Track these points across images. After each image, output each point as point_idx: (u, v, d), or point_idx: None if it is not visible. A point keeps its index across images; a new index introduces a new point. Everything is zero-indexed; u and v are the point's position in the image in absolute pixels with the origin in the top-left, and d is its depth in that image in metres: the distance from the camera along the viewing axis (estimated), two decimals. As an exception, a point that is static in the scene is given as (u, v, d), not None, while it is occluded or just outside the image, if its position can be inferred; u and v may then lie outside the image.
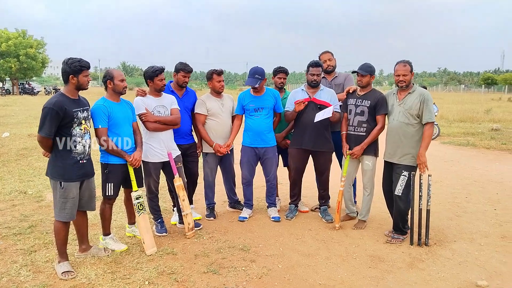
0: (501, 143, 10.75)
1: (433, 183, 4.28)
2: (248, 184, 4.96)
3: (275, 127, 4.92)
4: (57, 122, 3.29)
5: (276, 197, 5.24)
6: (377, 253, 3.98)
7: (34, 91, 40.44)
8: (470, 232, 4.54)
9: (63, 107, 3.29)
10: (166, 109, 4.27)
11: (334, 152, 4.93)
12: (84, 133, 3.49)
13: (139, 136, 4.04)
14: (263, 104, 4.72)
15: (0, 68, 38.92)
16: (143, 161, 4.23)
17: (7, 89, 39.68)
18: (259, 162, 4.95)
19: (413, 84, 4.27)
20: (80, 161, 3.48)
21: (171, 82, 4.69)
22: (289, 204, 5.10)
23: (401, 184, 4.16)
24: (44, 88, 43.04)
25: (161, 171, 4.36)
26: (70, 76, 3.38)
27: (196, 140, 4.84)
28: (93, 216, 4.56)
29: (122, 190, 4.12)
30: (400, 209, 4.21)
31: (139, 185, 4.08)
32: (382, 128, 4.44)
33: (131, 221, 4.34)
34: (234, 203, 5.26)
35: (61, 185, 3.39)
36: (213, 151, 4.77)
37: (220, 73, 4.76)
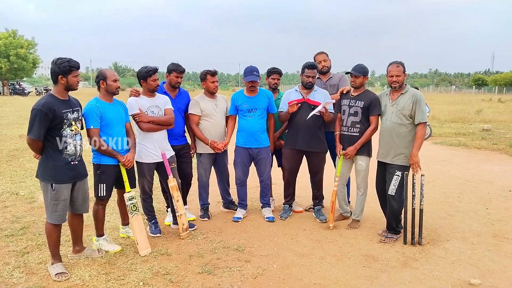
0: (492, 143, 10.86)
1: (426, 183, 4.31)
2: (242, 185, 4.96)
3: (273, 130, 4.92)
4: (47, 124, 3.24)
5: (270, 198, 5.25)
6: (371, 252, 4.00)
7: (25, 91, 40.03)
8: (462, 231, 4.58)
9: (52, 108, 3.25)
10: (160, 110, 4.26)
11: (328, 152, 4.95)
12: (75, 134, 3.45)
13: (132, 137, 4.02)
14: (257, 105, 4.72)
15: (-10, 68, 38.54)
16: (137, 162, 4.21)
17: (-3, 90, 39.31)
18: (252, 163, 4.95)
19: (406, 85, 4.30)
20: (72, 162, 3.44)
21: (164, 83, 4.68)
22: (283, 204, 5.11)
23: (394, 184, 4.19)
24: (35, 89, 42.61)
25: (155, 171, 4.35)
26: (59, 76, 3.33)
27: (189, 141, 4.83)
28: (86, 217, 4.50)
29: (115, 191, 4.11)
30: (394, 209, 4.24)
31: (132, 186, 4.07)
32: (375, 128, 4.47)
33: (125, 222, 4.32)
34: (228, 204, 5.25)
35: (52, 187, 3.35)
36: (207, 152, 4.76)
37: (214, 73, 4.76)
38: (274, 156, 5.24)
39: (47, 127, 3.25)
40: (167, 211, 4.89)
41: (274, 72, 5.10)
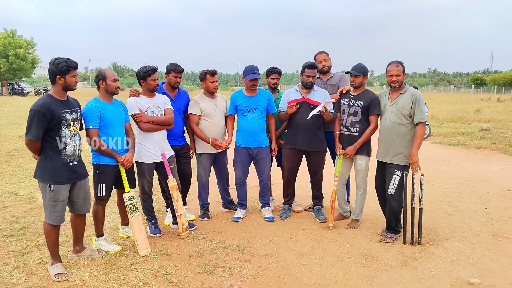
0: (491, 143, 10.88)
1: (425, 182, 4.32)
2: (241, 185, 4.96)
3: (275, 129, 4.92)
4: (45, 125, 3.23)
5: (270, 197, 5.25)
6: (371, 252, 4.01)
7: (24, 91, 39.96)
8: (462, 230, 4.59)
9: (50, 109, 3.23)
10: (160, 109, 4.26)
11: (328, 152, 4.96)
12: (74, 135, 3.44)
13: (131, 137, 4.01)
14: (256, 105, 4.72)
15: (-11, 68, 38.48)
16: (136, 162, 4.21)
17: (-4, 90, 39.24)
18: (252, 163, 4.96)
19: (405, 84, 4.30)
20: (70, 163, 3.43)
21: (163, 83, 4.68)
22: (283, 204, 5.11)
23: (394, 184, 4.20)
24: (34, 89, 42.50)
25: (154, 171, 4.35)
26: (57, 76, 3.32)
27: (188, 141, 4.83)
28: (86, 217, 4.52)
29: (114, 191, 4.11)
30: (393, 208, 4.25)
31: (132, 186, 4.06)
32: (375, 128, 4.47)
33: (125, 222, 4.32)
34: (228, 204, 5.26)
35: (50, 188, 3.34)
36: (207, 152, 4.76)
37: (213, 73, 4.76)
38: (273, 156, 5.24)
39: (45, 128, 3.24)
40: (167, 211, 4.89)
41: (273, 71, 5.10)
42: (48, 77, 3.47)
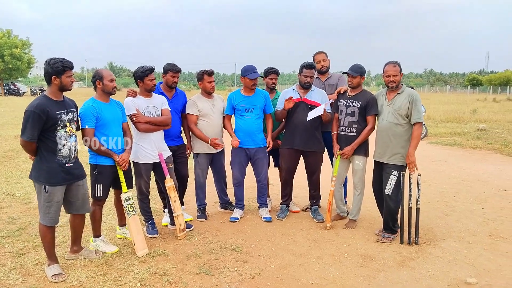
0: (487, 143, 10.92)
1: (422, 182, 4.34)
2: (239, 185, 4.96)
3: (271, 129, 4.92)
4: (40, 126, 3.21)
5: (267, 198, 5.25)
6: (368, 252, 4.01)
7: (20, 92, 39.81)
8: (458, 230, 4.60)
9: (45, 110, 3.21)
10: (157, 110, 4.25)
11: (326, 152, 4.96)
12: (70, 136, 3.42)
13: (129, 137, 4.00)
14: (254, 104, 4.72)
15: (-16, 69, 38.27)
16: (134, 162, 4.21)
17: (-9, 90, 39.03)
18: (249, 163, 4.95)
19: (402, 84, 4.31)
20: (66, 164, 3.41)
21: (160, 83, 4.67)
22: (280, 204, 5.12)
23: (391, 184, 4.21)
24: (30, 89, 42.37)
25: (151, 172, 4.34)
26: (53, 77, 3.30)
27: (185, 141, 4.83)
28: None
29: (112, 191, 4.09)
30: (390, 208, 4.25)
31: (129, 186, 4.06)
32: (373, 128, 4.48)
33: (122, 222, 4.30)
34: (225, 204, 5.25)
35: (45, 189, 3.32)
36: (205, 152, 4.75)
37: (211, 73, 4.75)
38: (271, 156, 5.25)
39: (40, 129, 3.22)
40: (164, 212, 4.88)
41: (271, 72, 5.10)
42: (43, 77, 3.44)
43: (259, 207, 5.07)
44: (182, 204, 4.79)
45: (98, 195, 3.84)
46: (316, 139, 4.73)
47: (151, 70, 4.18)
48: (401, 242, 4.21)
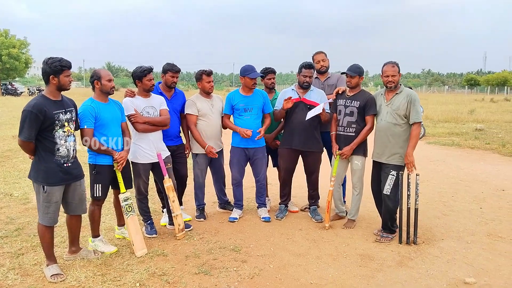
0: (485, 143, 10.95)
1: (420, 182, 4.34)
2: (238, 185, 4.95)
3: (267, 126, 4.90)
4: (37, 125, 3.19)
5: (266, 198, 5.25)
6: (367, 252, 4.02)
7: (17, 92, 39.64)
8: (457, 230, 4.61)
9: (42, 110, 3.20)
10: (155, 110, 4.24)
11: (325, 152, 4.97)
12: (68, 136, 3.41)
13: (128, 136, 4.00)
14: (253, 104, 4.72)
15: (-18, 69, 38.15)
16: (132, 162, 4.20)
17: (-11, 90, 38.88)
18: (248, 163, 4.95)
19: (401, 85, 4.32)
20: (65, 164, 3.40)
21: (159, 83, 4.67)
22: (279, 204, 5.12)
23: (390, 184, 4.21)
24: (28, 89, 42.18)
25: (150, 172, 4.34)
26: (51, 76, 3.29)
27: (184, 141, 4.82)
28: (82, 218, 4.50)
29: (111, 191, 4.08)
30: (389, 208, 4.26)
31: (128, 186, 4.05)
32: (371, 128, 4.49)
33: (121, 222, 4.30)
34: (224, 204, 5.25)
35: (44, 189, 3.31)
36: (204, 152, 4.75)
37: (209, 73, 4.74)
38: (269, 156, 5.25)
39: (37, 128, 3.21)
40: (163, 212, 4.87)
41: (269, 72, 5.10)
42: (41, 77, 3.43)
43: (258, 207, 5.07)
44: (181, 204, 4.79)
45: (97, 195, 3.83)
46: (315, 139, 4.74)
47: (150, 70, 4.17)
48: (400, 242, 4.22)
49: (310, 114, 4.51)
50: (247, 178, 5.16)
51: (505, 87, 55.77)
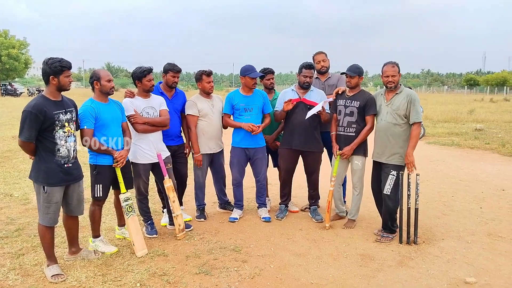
0: (485, 143, 10.95)
1: (420, 182, 4.34)
2: (238, 185, 4.95)
3: (266, 125, 4.90)
4: (37, 126, 3.20)
5: (266, 198, 5.25)
6: (367, 251, 4.02)
7: (17, 92, 39.63)
8: (457, 230, 4.62)
9: (42, 110, 3.20)
10: (155, 111, 4.24)
11: (325, 152, 4.97)
12: (68, 136, 3.40)
13: (128, 136, 3.99)
14: (253, 104, 4.73)
15: (-19, 69, 38.13)
16: (132, 163, 4.20)
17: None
18: (248, 163, 4.95)
19: (400, 85, 4.33)
20: (65, 165, 3.40)
21: (160, 83, 4.67)
22: (279, 204, 5.12)
23: (390, 184, 4.21)
24: (27, 89, 42.17)
25: (150, 172, 4.34)
26: (51, 77, 3.29)
27: (185, 141, 4.83)
28: (82, 219, 4.48)
29: (112, 192, 4.08)
30: (389, 208, 4.26)
31: (130, 187, 4.05)
32: (371, 128, 4.49)
33: (121, 223, 4.30)
34: (224, 204, 5.25)
35: (44, 190, 3.31)
36: (205, 153, 4.74)
37: (209, 74, 4.75)
38: (270, 157, 5.25)
39: (38, 129, 3.21)
40: (163, 212, 4.87)
41: (268, 72, 5.10)
42: (41, 77, 3.43)
43: (258, 207, 5.07)
44: (181, 204, 4.79)
45: (98, 195, 3.83)
46: (315, 139, 4.74)
47: (149, 70, 4.17)
48: (400, 241, 4.22)
49: (310, 113, 4.51)
50: (247, 178, 5.16)
51: (505, 87, 55.81)
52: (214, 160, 4.90)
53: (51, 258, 3.47)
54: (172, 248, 4.05)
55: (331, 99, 4.68)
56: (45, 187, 3.31)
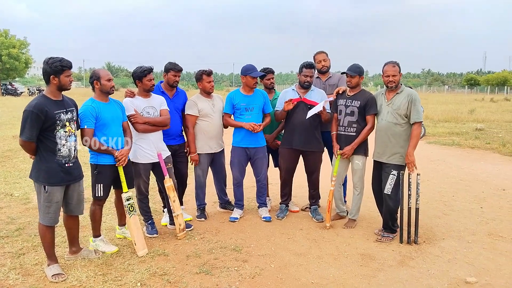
0: (485, 143, 10.94)
1: (421, 182, 4.34)
2: (239, 185, 4.95)
3: (266, 124, 4.90)
4: (39, 125, 3.20)
5: (267, 197, 5.25)
6: (368, 251, 4.02)
7: (17, 92, 39.65)
8: (458, 230, 4.61)
9: (44, 110, 3.20)
10: (156, 110, 4.24)
11: (326, 152, 4.97)
12: (69, 136, 3.41)
13: (129, 135, 3.99)
14: (254, 104, 4.73)
15: (-18, 69, 38.15)
16: (133, 162, 4.20)
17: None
18: (249, 163, 4.95)
19: (401, 84, 4.32)
20: (66, 165, 3.40)
21: (161, 82, 4.67)
22: (280, 204, 5.12)
23: (390, 183, 4.21)
24: (28, 89, 42.20)
25: (151, 172, 4.34)
26: (51, 76, 3.29)
27: (186, 140, 4.82)
28: (83, 218, 4.47)
29: (112, 191, 4.08)
30: (390, 208, 4.26)
31: (130, 186, 4.05)
32: (372, 128, 4.49)
33: (122, 222, 4.30)
34: (225, 204, 5.25)
35: (45, 189, 3.31)
36: (205, 152, 4.74)
37: (209, 73, 4.74)
38: (270, 156, 5.24)
39: (39, 128, 3.21)
40: (164, 212, 4.87)
41: (268, 72, 5.10)
42: (41, 77, 3.44)
43: (258, 207, 5.07)
44: (181, 204, 4.79)
45: (99, 195, 3.83)
46: (315, 139, 4.74)
47: (150, 70, 4.17)
48: (401, 241, 4.22)
49: (311, 113, 4.51)
50: (248, 177, 5.16)
51: (505, 87, 55.78)
52: (215, 160, 4.90)
53: (52, 257, 3.47)
54: (172, 248, 4.05)
55: (331, 99, 4.67)
56: (46, 186, 3.31)
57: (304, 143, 4.70)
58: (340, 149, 4.55)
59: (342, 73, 4.70)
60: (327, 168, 5.05)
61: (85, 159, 3.89)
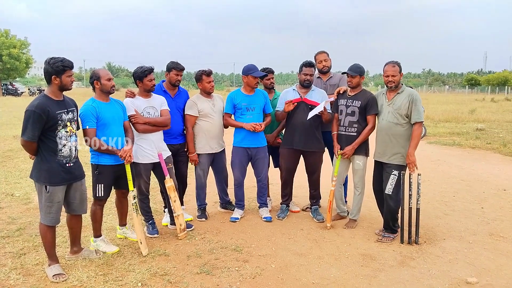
0: (486, 143, 10.93)
1: (421, 182, 4.33)
2: (239, 185, 4.95)
3: (267, 123, 4.89)
4: (41, 125, 3.20)
5: (268, 198, 5.25)
6: (369, 251, 4.02)
7: (18, 92, 39.76)
8: (458, 230, 4.61)
9: (46, 110, 3.20)
10: (156, 110, 4.24)
11: (327, 152, 4.96)
12: (70, 135, 3.41)
13: (130, 134, 3.98)
14: (255, 103, 4.73)
15: (-18, 69, 38.17)
16: (133, 162, 4.19)
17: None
18: (250, 163, 4.95)
19: (402, 84, 4.32)
20: (67, 164, 3.40)
21: (163, 81, 4.67)
22: (281, 204, 5.12)
23: (391, 183, 4.21)
24: (28, 89, 42.27)
25: (151, 172, 4.34)
26: (53, 76, 3.29)
27: (187, 140, 4.82)
28: (84, 218, 4.46)
29: (113, 191, 4.08)
30: (391, 208, 4.26)
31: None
32: (373, 128, 4.49)
33: (122, 222, 4.30)
34: (226, 204, 5.25)
35: (46, 189, 3.31)
36: (206, 152, 4.74)
37: (209, 73, 4.74)
38: (271, 157, 5.24)
39: (41, 128, 3.22)
40: (164, 212, 4.88)
41: (268, 72, 5.09)
42: (42, 77, 3.45)
43: (259, 207, 5.07)
44: (182, 204, 4.79)
45: (100, 195, 3.83)
46: (316, 139, 4.74)
47: (151, 70, 4.17)
48: (402, 241, 4.22)
49: (312, 113, 4.51)
50: (249, 178, 5.15)
51: (506, 87, 55.70)
52: (216, 160, 4.90)
53: (53, 257, 3.47)
54: (173, 248, 4.05)
55: (332, 99, 4.67)
56: (48, 186, 3.31)
57: (305, 143, 4.70)
58: (340, 149, 4.55)
59: (343, 73, 4.70)
60: (328, 168, 5.05)
61: (85, 159, 3.89)
